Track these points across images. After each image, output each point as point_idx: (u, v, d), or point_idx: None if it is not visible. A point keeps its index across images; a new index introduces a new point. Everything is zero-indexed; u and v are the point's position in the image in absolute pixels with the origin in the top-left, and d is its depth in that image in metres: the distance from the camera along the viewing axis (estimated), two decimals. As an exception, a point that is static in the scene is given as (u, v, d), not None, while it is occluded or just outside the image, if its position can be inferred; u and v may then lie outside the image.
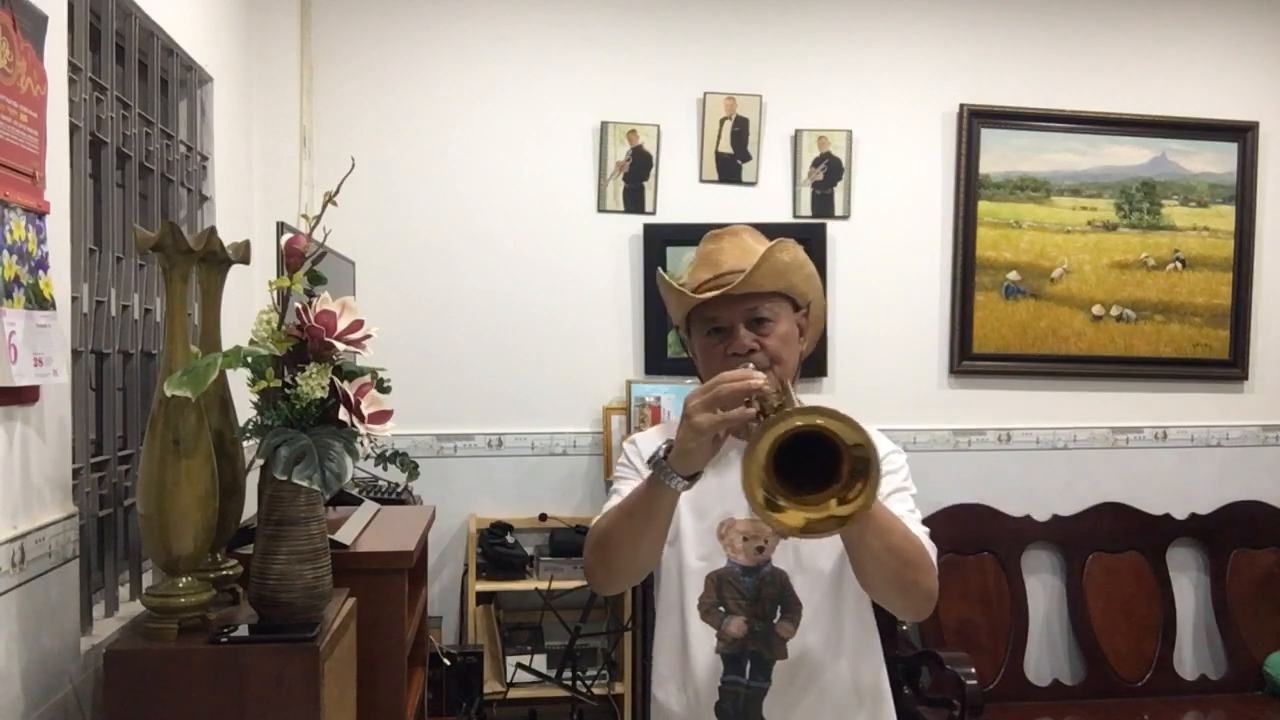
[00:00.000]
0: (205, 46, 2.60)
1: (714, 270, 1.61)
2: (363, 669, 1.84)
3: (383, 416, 1.53)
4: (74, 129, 1.79)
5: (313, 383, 1.46)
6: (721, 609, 1.62)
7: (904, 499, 1.59)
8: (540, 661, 3.44)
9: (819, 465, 1.27)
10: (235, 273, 1.72)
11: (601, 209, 3.68)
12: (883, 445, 1.64)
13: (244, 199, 3.00)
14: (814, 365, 3.73)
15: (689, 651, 1.63)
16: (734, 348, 1.56)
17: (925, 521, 1.62)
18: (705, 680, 1.61)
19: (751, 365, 1.52)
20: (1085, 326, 3.91)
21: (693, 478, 1.41)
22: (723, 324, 1.58)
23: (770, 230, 3.96)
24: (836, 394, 3.75)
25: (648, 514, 1.47)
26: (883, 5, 3.79)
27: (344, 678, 1.69)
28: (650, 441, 1.68)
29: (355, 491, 2.66)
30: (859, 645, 1.63)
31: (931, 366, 3.86)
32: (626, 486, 1.63)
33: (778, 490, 1.26)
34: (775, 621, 1.60)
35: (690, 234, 3.65)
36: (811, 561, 1.59)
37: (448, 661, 2.91)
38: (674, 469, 1.40)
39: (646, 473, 1.54)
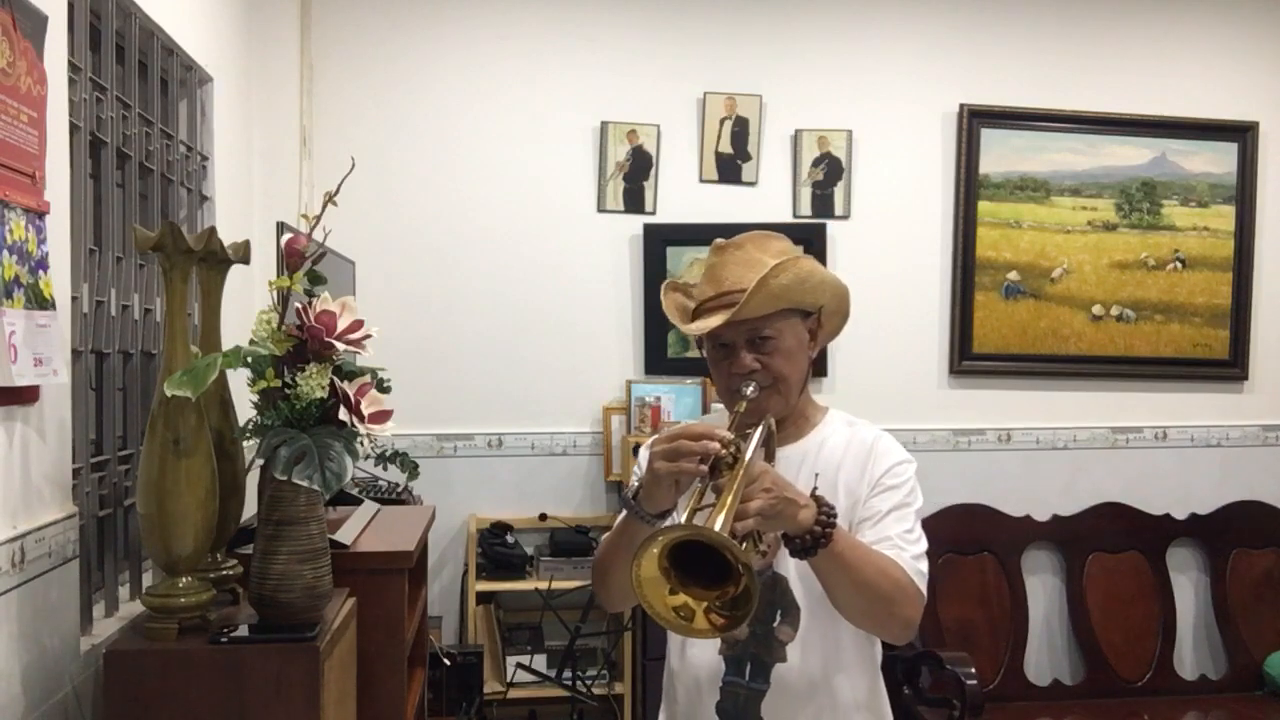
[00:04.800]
0: (205, 46, 2.60)
1: (716, 288, 1.60)
2: (363, 669, 1.84)
3: (383, 416, 1.54)
4: (74, 129, 1.79)
5: (313, 383, 1.46)
6: None
7: (904, 516, 1.58)
8: (540, 661, 3.44)
9: (713, 570, 1.28)
10: (235, 273, 1.72)
11: (601, 209, 3.68)
12: (894, 453, 1.64)
13: (244, 199, 3.00)
14: (814, 365, 3.73)
15: (693, 651, 1.66)
16: (735, 368, 1.58)
17: (927, 521, 1.62)
18: (708, 680, 1.63)
19: (753, 386, 1.55)
20: (1085, 326, 3.91)
21: (662, 515, 1.44)
22: (726, 341, 1.59)
23: (770, 230, 3.90)
24: (837, 394, 3.75)
25: (629, 546, 1.49)
26: (883, 5, 3.79)
27: (344, 678, 1.69)
28: None
29: (355, 491, 2.66)
30: (858, 651, 1.64)
31: (931, 366, 3.86)
32: None
33: (673, 574, 1.29)
34: (775, 625, 1.61)
35: (690, 234, 3.66)
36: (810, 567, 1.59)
37: (448, 661, 2.91)
38: (643, 508, 1.44)
39: (635, 480, 1.56)
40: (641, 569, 1.27)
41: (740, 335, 1.57)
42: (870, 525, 1.57)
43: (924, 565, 1.55)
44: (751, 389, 1.54)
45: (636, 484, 1.48)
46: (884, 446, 1.65)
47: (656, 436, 1.45)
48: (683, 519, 1.35)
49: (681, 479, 1.39)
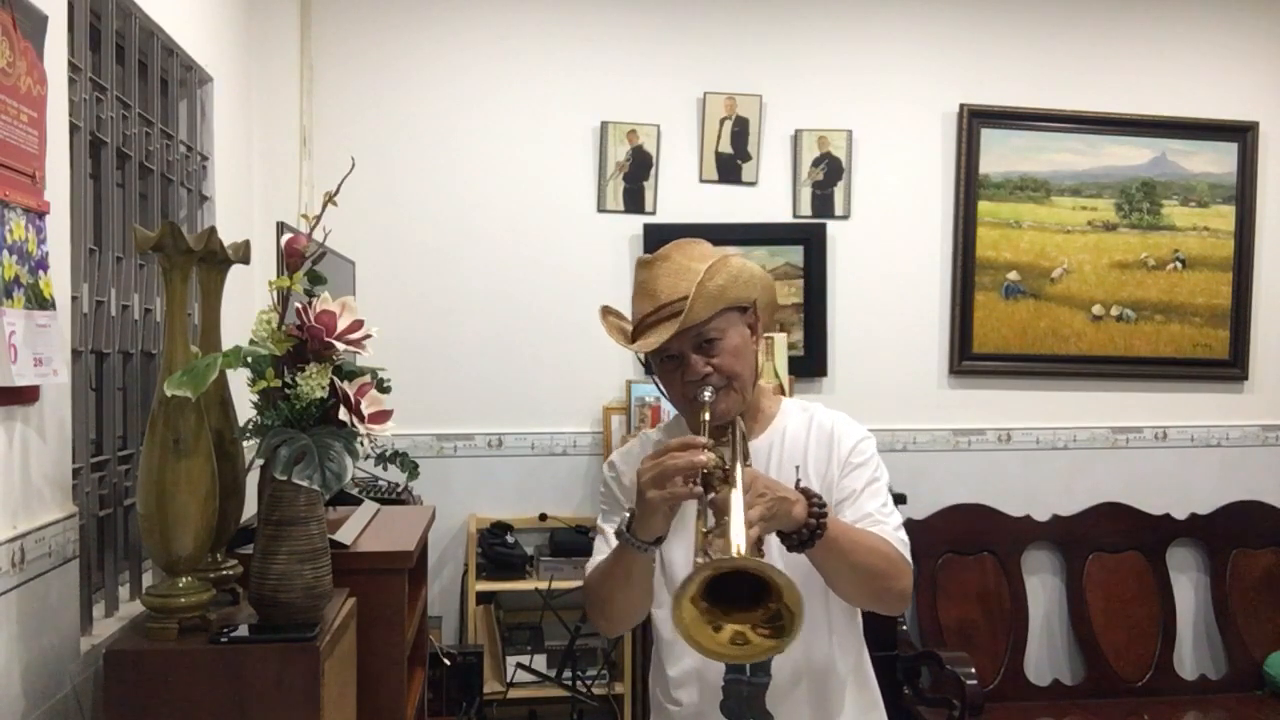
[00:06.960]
0: (205, 46, 2.60)
1: (653, 302, 1.61)
2: (363, 669, 1.84)
3: (383, 416, 1.54)
4: (74, 129, 1.79)
5: (313, 383, 1.46)
6: None
7: (877, 492, 1.62)
8: (540, 661, 3.44)
9: (745, 587, 1.29)
10: (235, 273, 1.72)
11: (601, 209, 3.68)
12: (854, 431, 1.68)
13: (244, 199, 3.00)
14: (814, 365, 3.73)
15: (691, 655, 1.63)
16: (688, 375, 1.59)
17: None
18: (710, 680, 1.64)
19: (709, 390, 1.55)
20: (1085, 326, 3.91)
21: (658, 541, 1.45)
22: (673, 352, 1.60)
23: (768, 231, 3.91)
24: (836, 394, 3.75)
25: (626, 576, 1.53)
26: (883, 5, 3.79)
27: (344, 678, 1.69)
28: (628, 463, 1.69)
29: (355, 491, 2.65)
30: (846, 628, 1.68)
31: (931, 366, 3.86)
32: (609, 525, 1.66)
33: (711, 607, 1.29)
34: None
35: (690, 234, 3.65)
36: (796, 556, 1.60)
37: (448, 661, 2.92)
38: (638, 538, 1.45)
39: (625, 511, 1.57)
40: (684, 617, 1.28)
41: (687, 343, 1.58)
42: (849, 505, 1.60)
43: (905, 535, 1.59)
44: (708, 393, 1.56)
45: (629, 514, 1.48)
46: (844, 428, 1.68)
47: (640, 467, 1.43)
48: (690, 544, 1.34)
49: (675, 504, 1.40)
